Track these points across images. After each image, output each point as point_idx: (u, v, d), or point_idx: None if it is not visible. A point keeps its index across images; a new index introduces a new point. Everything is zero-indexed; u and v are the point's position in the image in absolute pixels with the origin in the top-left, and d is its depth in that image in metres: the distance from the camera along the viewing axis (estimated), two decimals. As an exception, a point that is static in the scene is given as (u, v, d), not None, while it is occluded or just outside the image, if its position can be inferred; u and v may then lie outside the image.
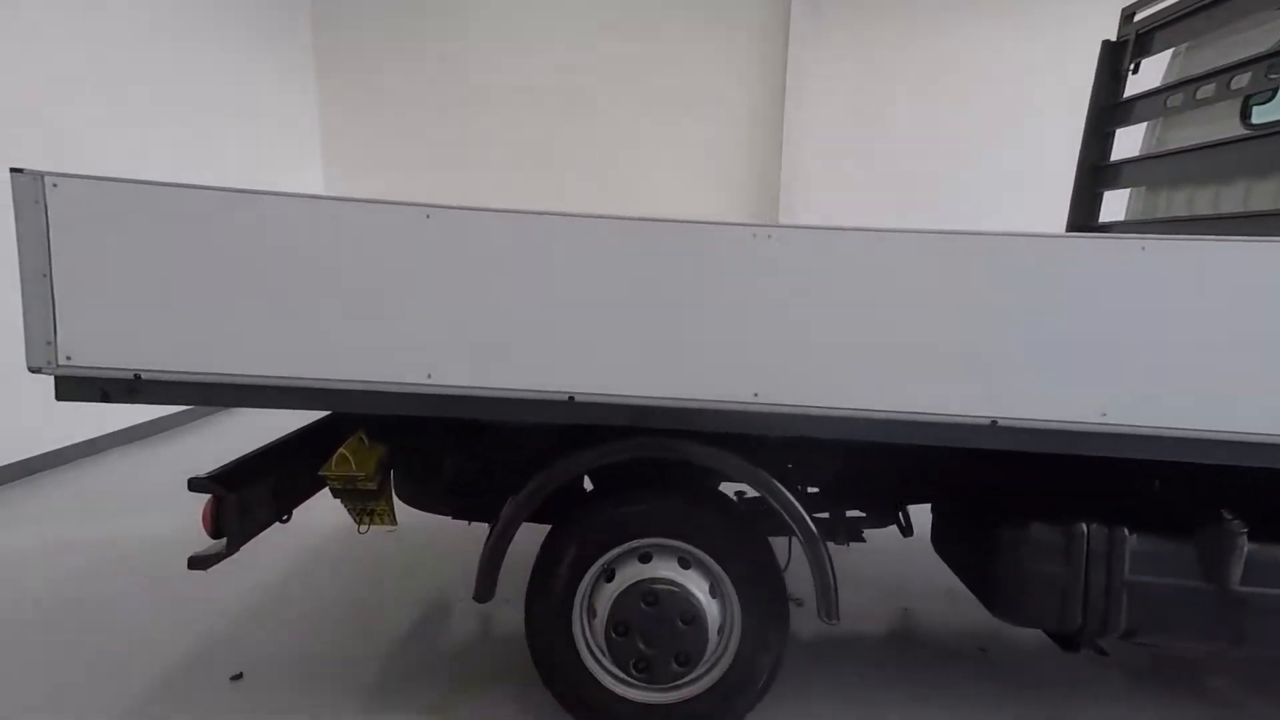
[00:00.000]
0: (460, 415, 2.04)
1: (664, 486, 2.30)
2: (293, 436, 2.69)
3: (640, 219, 1.88)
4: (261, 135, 7.23)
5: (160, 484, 4.72)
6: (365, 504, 2.58)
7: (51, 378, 1.95)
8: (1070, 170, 4.54)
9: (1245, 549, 2.02)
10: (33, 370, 1.93)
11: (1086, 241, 2.02)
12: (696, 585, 2.20)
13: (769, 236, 1.87)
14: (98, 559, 3.58)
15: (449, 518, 2.82)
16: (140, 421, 5.64)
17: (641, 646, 2.16)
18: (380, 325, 1.96)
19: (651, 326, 1.95)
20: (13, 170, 1.83)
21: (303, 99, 8.01)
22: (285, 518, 2.58)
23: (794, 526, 2.12)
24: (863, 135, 8.06)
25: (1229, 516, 2.05)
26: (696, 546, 2.22)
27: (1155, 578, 2.10)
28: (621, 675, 2.27)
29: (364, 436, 2.47)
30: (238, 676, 2.67)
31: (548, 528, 2.35)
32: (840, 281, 1.89)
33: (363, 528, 2.69)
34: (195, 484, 2.13)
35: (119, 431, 5.48)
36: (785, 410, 1.95)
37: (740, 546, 2.23)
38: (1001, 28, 7.77)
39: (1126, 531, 2.09)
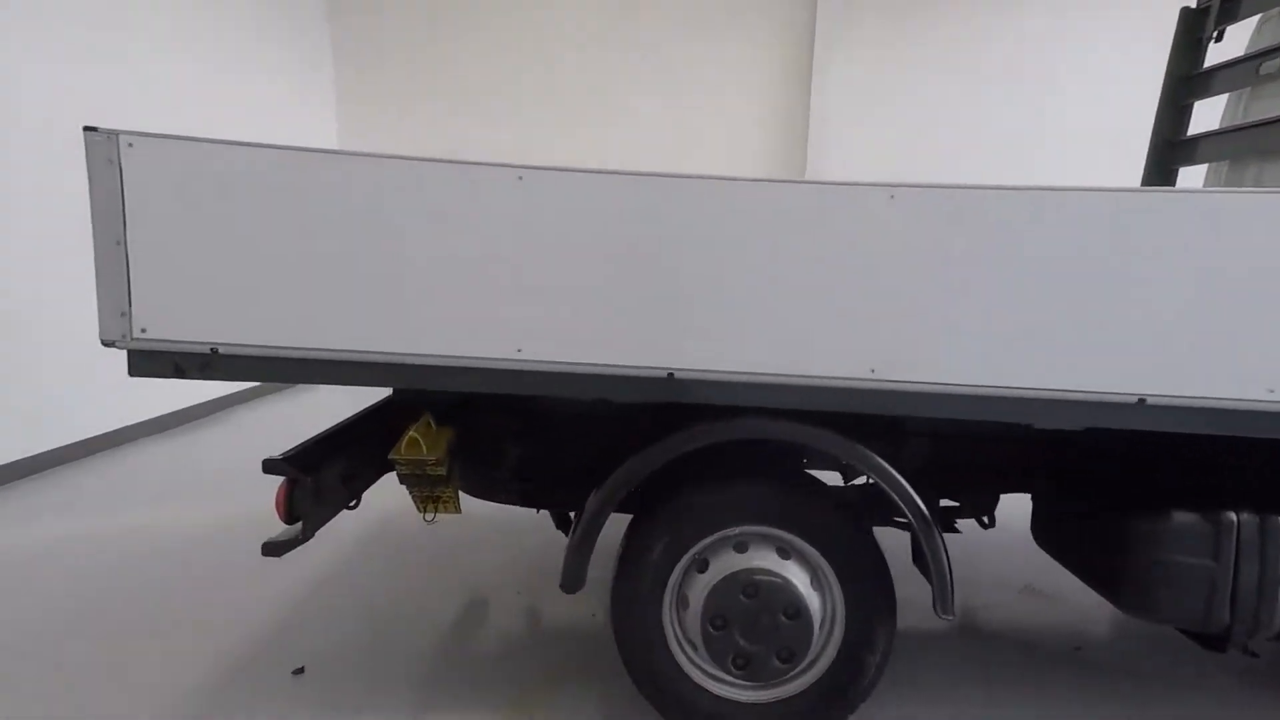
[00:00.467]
0: (550, 393, 1.91)
1: (757, 472, 2.15)
2: (356, 419, 2.58)
3: (761, 180, 1.72)
4: (275, 94, 7.01)
5: (192, 475, 4.67)
6: (432, 490, 2.47)
7: (108, 354, 1.84)
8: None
9: None
10: (106, 344, 1.83)
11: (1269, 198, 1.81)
12: (797, 577, 2.06)
13: (891, 197, 1.70)
14: (135, 548, 3.51)
15: (507, 505, 2.72)
16: (165, 412, 5.58)
17: (741, 641, 2.02)
18: (467, 297, 1.84)
19: (758, 297, 1.80)
20: (86, 128, 1.72)
21: (317, 54, 7.81)
22: (354, 503, 2.48)
23: (909, 513, 1.96)
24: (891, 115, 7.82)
25: None
26: (797, 535, 2.08)
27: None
28: (715, 671, 2.14)
29: (431, 420, 2.36)
30: (299, 671, 2.57)
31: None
32: (972, 245, 1.73)
33: (429, 516, 2.58)
34: (270, 466, 2.02)
35: (147, 421, 5.42)
36: (907, 388, 1.79)
37: (844, 536, 2.08)
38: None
39: None
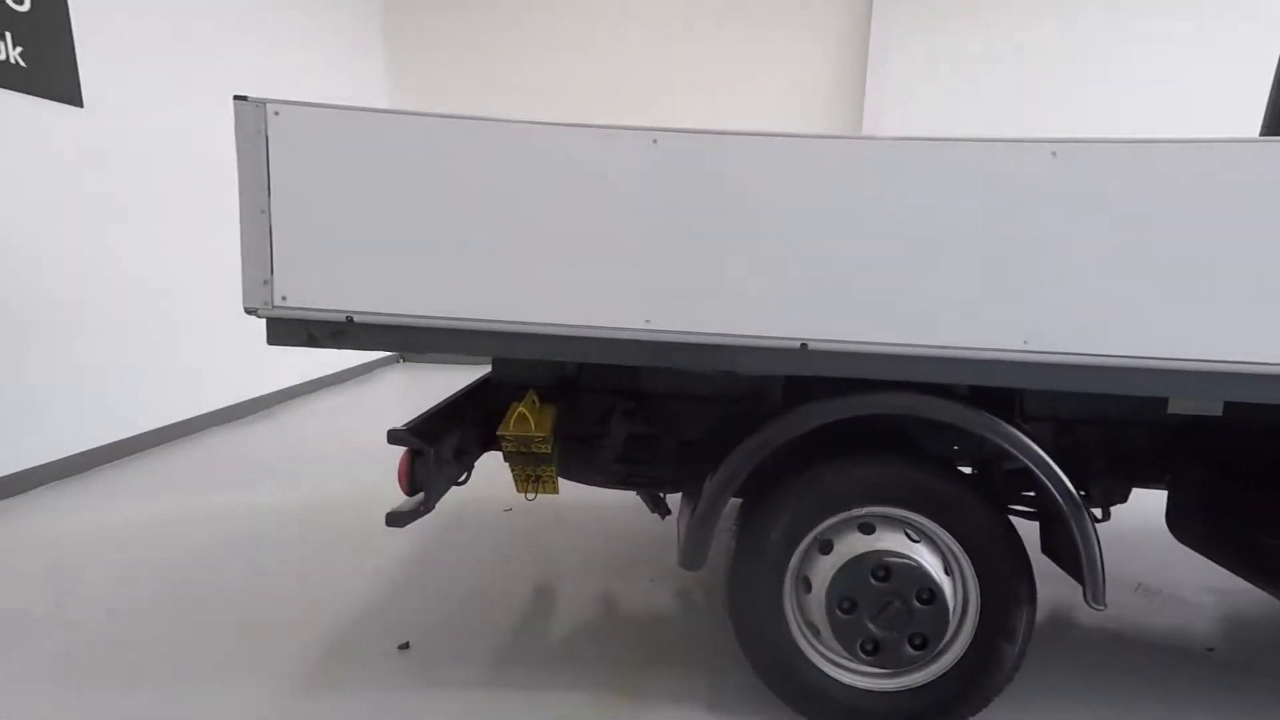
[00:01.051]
0: (677, 365, 1.87)
1: (885, 451, 2.07)
2: (460, 396, 2.60)
3: (921, 139, 1.65)
4: (326, 65, 7.05)
5: (263, 460, 4.79)
6: (535, 468, 2.46)
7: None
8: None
9: None
10: (249, 312, 1.87)
11: None
12: (929, 561, 1.97)
13: (1053, 154, 1.61)
14: (229, 527, 3.62)
15: (600, 488, 2.70)
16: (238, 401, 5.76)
17: (871, 625, 1.94)
18: (598, 266, 1.81)
19: (902, 264, 1.72)
20: (236, 97, 1.77)
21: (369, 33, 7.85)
22: (464, 478, 2.49)
23: (1058, 497, 1.85)
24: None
25: None
26: (929, 518, 1.98)
27: None
28: (839, 656, 2.07)
29: (535, 398, 2.36)
30: (405, 646, 2.59)
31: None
32: (1150, 203, 1.61)
33: (530, 495, 2.57)
34: (395, 437, 2.04)
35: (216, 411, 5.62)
36: (1066, 360, 1.68)
37: (979, 520, 1.97)
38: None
39: None
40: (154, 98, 4.83)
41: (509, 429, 2.25)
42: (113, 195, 4.51)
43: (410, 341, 1.90)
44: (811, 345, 1.79)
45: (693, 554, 2.02)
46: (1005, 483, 2.21)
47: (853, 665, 2.07)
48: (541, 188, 1.79)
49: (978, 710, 2.04)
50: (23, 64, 3.94)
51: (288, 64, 6.28)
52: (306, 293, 1.85)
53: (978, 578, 1.99)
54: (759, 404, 2.23)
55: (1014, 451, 1.85)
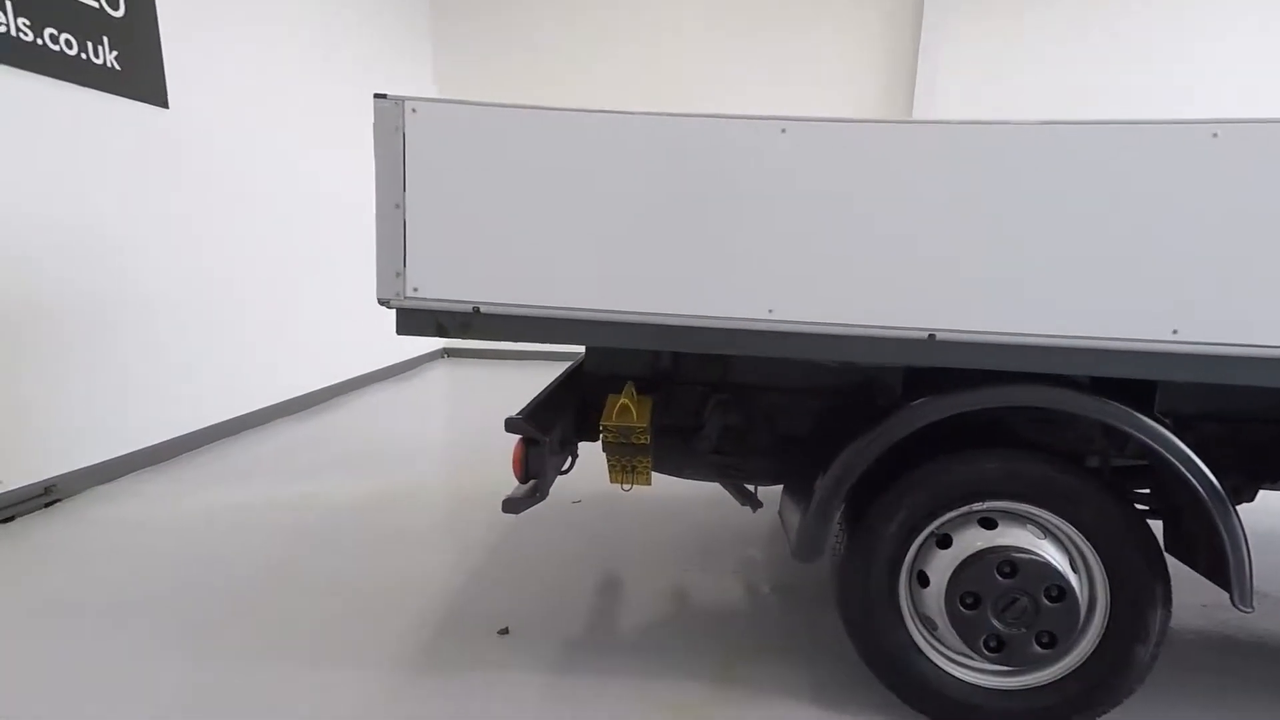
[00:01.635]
0: (800, 355, 1.87)
1: (1007, 443, 2.02)
2: (557, 386, 2.64)
3: (1068, 122, 1.61)
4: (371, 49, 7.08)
5: (335, 449, 4.91)
6: (632, 458, 2.49)
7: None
8: None
9: None
10: (381, 303, 1.94)
11: None
12: (1056, 557, 1.92)
13: (1214, 135, 1.55)
14: (309, 517, 3.71)
15: (695, 480, 2.71)
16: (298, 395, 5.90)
17: (996, 622, 1.91)
18: (722, 256, 1.82)
19: (1043, 251, 1.69)
20: (376, 96, 1.83)
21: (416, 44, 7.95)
22: (567, 467, 2.53)
23: (1202, 493, 1.79)
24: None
25: None
26: (1055, 513, 1.94)
27: None
28: (957, 653, 2.04)
29: (634, 389, 2.38)
30: (504, 631, 2.65)
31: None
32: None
33: (626, 486, 2.60)
34: (513, 425, 2.09)
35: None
36: (1218, 351, 1.63)
37: (1109, 516, 1.92)
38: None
39: None
40: (228, 101, 5.00)
41: (612, 419, 2.28)
42: (192, 194, 4.69)
43: (535, 331, 1.94)
44: (939, 336, 1.76)
45: (810, 545, 2.01)
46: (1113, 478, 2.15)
47: (970, 661, 2.04)
48: (667, 179, 1.81)
49: (1106, 710, 1.99)
50: (117, 67, 4.12)
51: (343, 67, 6.43)
52: (437, 284, 1.90)
53: (1107, 575, 1.94)
54: (864, 395, 2.21)
55: (1156, 447, 1.80)
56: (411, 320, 1.95)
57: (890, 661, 2.09)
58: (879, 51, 7.72)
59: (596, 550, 3.36)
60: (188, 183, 4.64)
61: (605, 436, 2.36)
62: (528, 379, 7.56)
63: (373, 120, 1.84)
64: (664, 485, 3.38)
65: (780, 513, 2.38)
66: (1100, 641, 1.96)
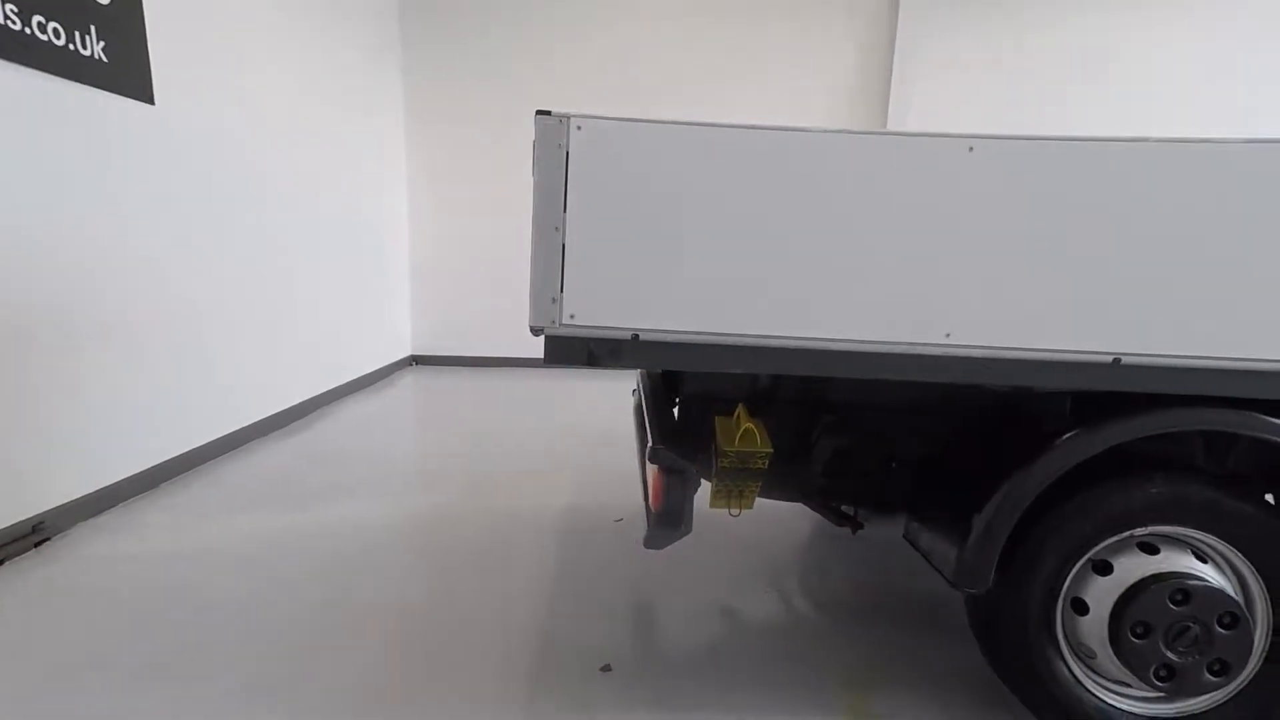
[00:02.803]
0: (975, 380, 1.81)
1: (1167, 467, 2.00)
2: (659, 407, 2.54)
3: (1247, 140, 1.61)
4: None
5: (334, 469, 4.66)
6: (746, 483, 2.40)
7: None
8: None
9: None
10: (535, 332, 1.81)
11: None
12: (1224, 583, 1.90)
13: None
14: (337, 543, 3.49)
15: (798, 503, 2.64)
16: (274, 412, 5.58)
17: (1168, 652, 1.87)
18: (900, 280, 1.76)
19: (1231, 269, 1.68)
20: (539, 112, 1.71)
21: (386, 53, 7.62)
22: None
23: None
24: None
25: None
26: (1220, 536, 1.93)
27: None
28: (1110, 680, 2.01)
29: (746, 411, 2.30)
30: (607, 668, 2.51)
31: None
32: None
33: (734, 510, 2.50)
34: (660, 457, 1.98)
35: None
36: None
37: (1273, 536, 1.91)
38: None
39: None
40: (209, 99, 4.72)
41: (734, 445, 2.19)
42: (170, 203, 4.37)
43: (692, 358, 1.84)
44: (1126, 360, 1.73)
45: (978, 573, 1.95)
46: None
47: (1129, 690, 2.00)
48: (843, 199, 1.74)
49: (1263, 734, 1.97)
50: (105, 59, 3.82)
51: (317, 67, 6.19)
52: (593, 311, 1.78)
53: (1271, 600, 1.92)
54: (1014, 418, 2.17)
55: None
56: (562, 349, 1.83)
57: (1046, 692, 2.03)
58: (853, 53, 7.86)
59: (663, 571, 3.24)
60: (175, 189, 4.35)
61: (722, 462, 2.26)
62: (500, 385, 7.41)
63: (534, 138, 1.72)
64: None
65: (911, 538, 2.32)
66: (1261, 665, 1.94)
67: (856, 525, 2.63)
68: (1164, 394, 1.81)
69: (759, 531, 3.67)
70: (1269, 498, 2.00)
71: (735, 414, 2.28)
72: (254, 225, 5.20)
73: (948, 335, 1.78)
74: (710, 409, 2.35)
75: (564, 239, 1.75)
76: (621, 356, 1.82)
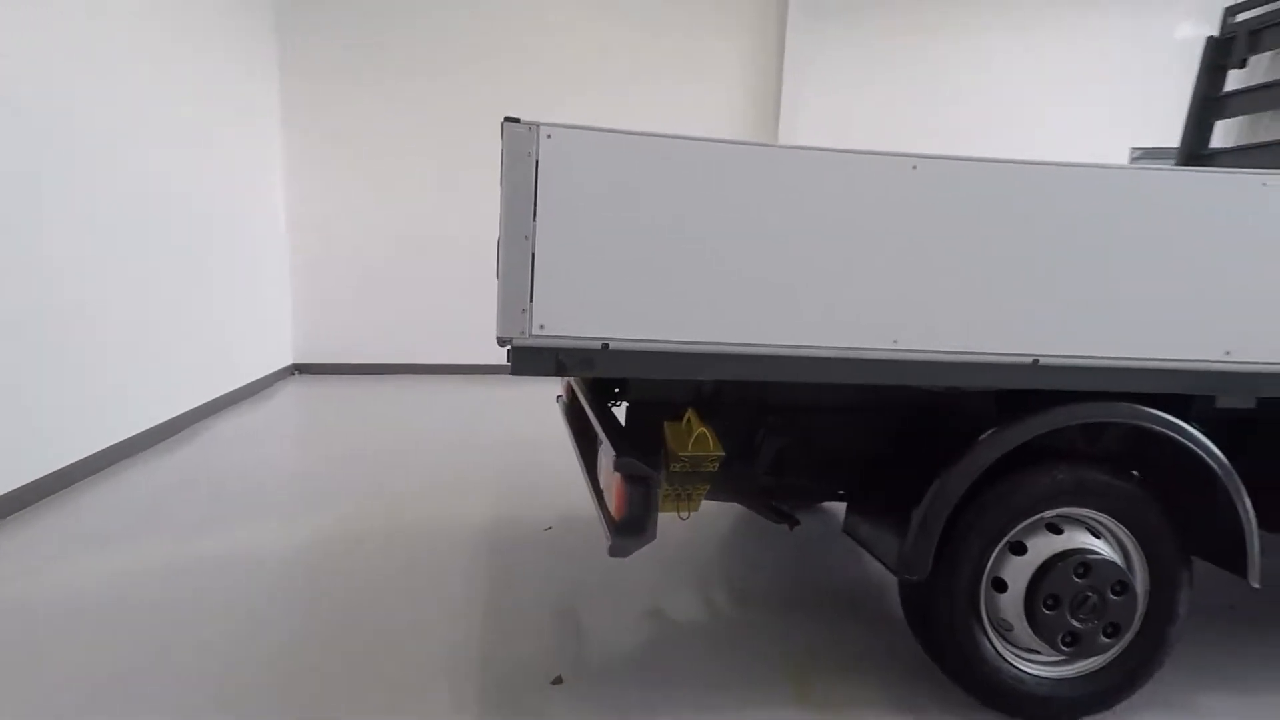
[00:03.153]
0: (919, 382, 1.97)
1: (1065, 454, 2.25)
2: (605, 415, 2.56)
3: (1140, 167, 1.86)
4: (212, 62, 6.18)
5: (225, 490, 4.38)
6: (693, 487, 2.47)
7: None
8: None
9: None
10: (502, 343, 1.78)
11: None
12: (1114, 555, 2.18)
13: (1264, 185, 1.87)
14: (242, 571, 3.28)
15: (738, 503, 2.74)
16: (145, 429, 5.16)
17: (1073, 620, 2.12)
18: (851, 289, 1.89)
19: (1128, 283, 1.94)
20: (507, 119, 1.69)
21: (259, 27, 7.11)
22: None
23: (1231, 492, 2.12)
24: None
25: None
26: (1111, 514, 2.20)
27: None
28: (1026, 651, 2.24)
29: (695, 416, 2.37)
30: (558, 680, 2.50)
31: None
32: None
33: (683, 514, 2.57)
34: (626, 465, 1.99)
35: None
36: (1262, 369, 1.94)
37: (1152, 514, 2.21)
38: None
39: None
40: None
41: (688, 449, 2.25)
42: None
43: (661, 366, 1.88)
44: (1043, 360, 1.95)
45: (919, 561, 2.10)
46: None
47: (1038, 656, 2.24)
48: (802, 211, 1.84)
49: (1142, 685, 2.27)
50: None
51: (184, 66, 5.72)
52: (563, 321, 1.78)
53: (1148, 566, 2.21)
54: (944, 415, 2.34)
55: (1199, 453, 2.10)
56: (530, 360, 1.81)
57: (972, 666, 2.23)
58: (745, 57, 8.13)
59: (600, 577, 3.25)
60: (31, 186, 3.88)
61: (675, 467, 2.31)
62: (395, 394, 7.15)
63: (502, 145, 1.69)
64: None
65: (851, 531, 2.46)
66: (1141, 625, 2.23)
67: (794, 522, 2.76)
68: (1068, 390, 2.04)
69: (690, 534, 3.76)
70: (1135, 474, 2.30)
71: (685, 419, 2.34)
72: (116, 226, 4.69)
73: (894, 341, 1.92)
74: (658, 414, 2.39)
75: (533, 248, 1.74)
76: (593, 366, 1.83)
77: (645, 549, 2.03)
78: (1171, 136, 4.99)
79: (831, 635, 2.82)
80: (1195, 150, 4.95)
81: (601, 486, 2.21)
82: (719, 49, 8.13)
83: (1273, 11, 4.48)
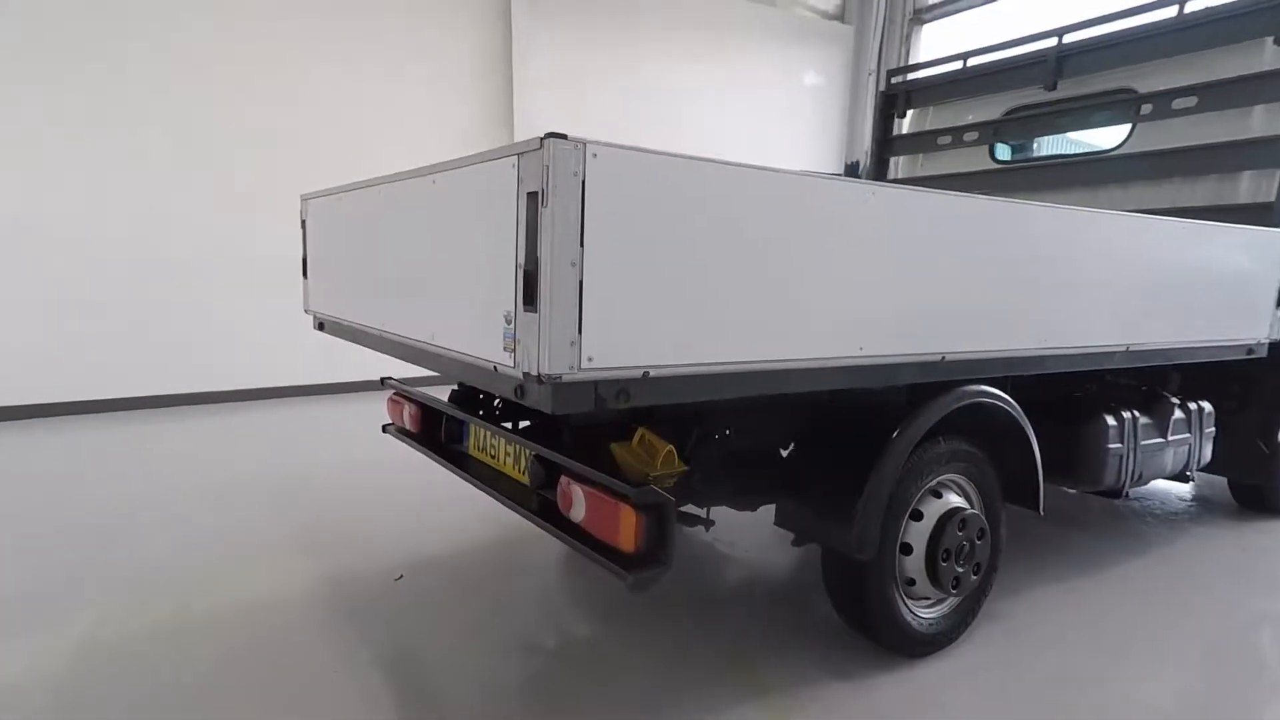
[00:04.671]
0: (874, 384, 2.29)
1: (937, 430, 2.66)
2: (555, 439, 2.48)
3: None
4: None
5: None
6: None
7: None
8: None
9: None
10: (547, 380, 1.59)
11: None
12: (973, 509, 2.74)
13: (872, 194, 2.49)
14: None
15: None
16: None
17: (957, 567, 2.61)
18: (837, 304, 2.09)
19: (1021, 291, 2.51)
20: (551, 135, 1.52)
21: None
22: None
23: (1036, 455, 2.81)
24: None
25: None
26: (965, 475, 2.75)
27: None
28: (918, 599, 2.70)
29: (652, 434, 2.39)
30: (399, 578, 2.73)
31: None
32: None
33: None
34: (648, 494, 1.91)
35: None
36: (1065, 351, 2.63)
37: (992, 475, 2.81)
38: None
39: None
40: None
41: (658, 468, 2.26)
42: None
43: (698, 389, 1.88)
44: (950, 356, 2.37)
45: (867, 542, 2.38)
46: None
47: (927, 601, 2.71)
48: (803, 231, 1.99)
49: (983, 604, 2.88)
50: None
51: None
52: (609, 351, 1.68)
53: (986, 512, 2.81)
54: (863, 409, 2.62)
55: (1020, 421, 2.74)
56: (573, 396, 1.66)
57: (892, 624, 2.61)
58: (473, 47, 8.00)
59: (500, 610, 3.03)
60: None
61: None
62: (63, 443, 5.69)
63: (545, 162, 1.52)
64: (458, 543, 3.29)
65: (787, 524, 2.65)
66: (988, 560, 2.84)
67: (709, 523, 2.89)
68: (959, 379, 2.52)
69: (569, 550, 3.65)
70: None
71: (637, 437, 2.31)
72: None
73: (861, 348, 2.16)
74: (601, 435, 2.34)
75: (581, 275, 1.60)
76: (629, 396, 1.74)
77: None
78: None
79: (756, 621, 3.02)
80: (877, 178, 6.31)
81: (584, 520, 2.09)
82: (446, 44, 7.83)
83: (921, 79, 5.91)
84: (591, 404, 1.69)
